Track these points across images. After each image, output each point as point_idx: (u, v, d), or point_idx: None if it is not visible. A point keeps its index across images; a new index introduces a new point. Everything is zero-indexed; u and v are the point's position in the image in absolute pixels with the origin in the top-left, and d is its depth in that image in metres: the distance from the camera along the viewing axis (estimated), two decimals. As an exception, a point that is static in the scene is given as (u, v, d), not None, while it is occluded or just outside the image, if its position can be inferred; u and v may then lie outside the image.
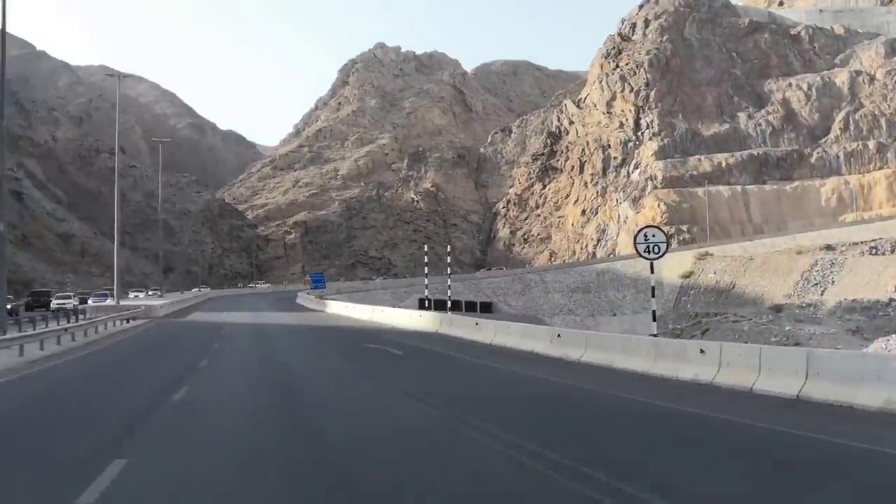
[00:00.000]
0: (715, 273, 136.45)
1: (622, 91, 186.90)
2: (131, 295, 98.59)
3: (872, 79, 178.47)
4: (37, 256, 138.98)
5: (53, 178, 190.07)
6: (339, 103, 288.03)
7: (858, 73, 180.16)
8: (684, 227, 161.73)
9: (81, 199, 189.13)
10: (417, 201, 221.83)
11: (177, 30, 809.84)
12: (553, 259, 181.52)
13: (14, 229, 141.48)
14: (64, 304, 71.24)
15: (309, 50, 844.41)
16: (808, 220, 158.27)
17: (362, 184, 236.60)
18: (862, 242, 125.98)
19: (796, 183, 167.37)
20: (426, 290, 58.33)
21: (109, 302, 70.94)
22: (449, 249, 61.36)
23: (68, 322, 41.09)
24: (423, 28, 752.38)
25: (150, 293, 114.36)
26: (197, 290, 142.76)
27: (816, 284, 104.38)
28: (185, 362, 28.00)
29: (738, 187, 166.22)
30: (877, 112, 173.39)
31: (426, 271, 57.13)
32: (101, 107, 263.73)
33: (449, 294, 55.23)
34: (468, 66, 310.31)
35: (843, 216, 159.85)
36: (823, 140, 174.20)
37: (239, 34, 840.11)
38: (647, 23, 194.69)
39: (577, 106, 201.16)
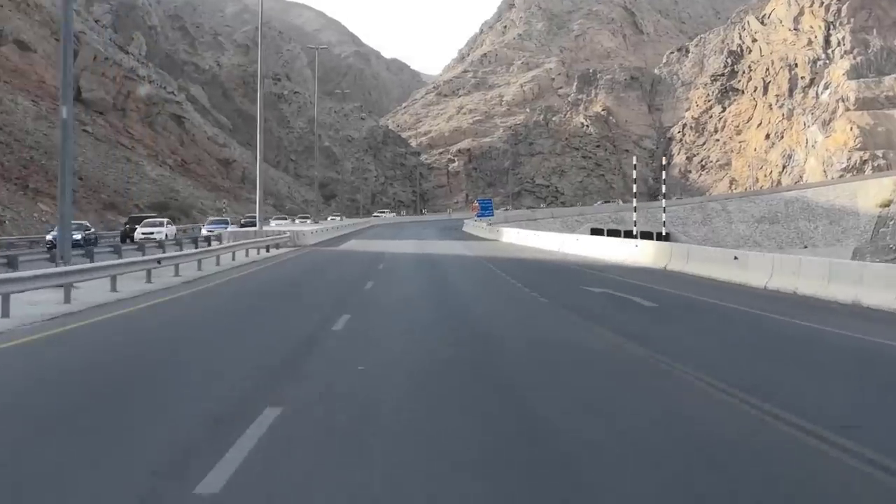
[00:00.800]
0: None
1: (811, 6, 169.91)
2: (272, 223, 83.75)
3: None
4: (196, 182, 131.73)
5: (217, 104, 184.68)
6: (505, 27, 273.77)
7: None
8: (879, 153, 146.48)
9: (244, 125, 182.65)
10: (587, 126, 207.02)
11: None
12: (733, 187, 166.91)
13: (173, 154, 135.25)
14: (151, 233, 52.41)
15: None
16: None
17: (528, 110, 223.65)
18: None
19: None
20: (635, 214, 46.37)
21: (231, 229, 58.11)
22: (664, 163, 48.79)
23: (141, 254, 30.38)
24: None
25: (297, 220, 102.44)
26: (332, 217, 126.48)
27: None
28: (310, 324, 16.75)
29: None
30: None
31: (635, 189, 45.12)
32: (267, 34, 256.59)
33: (664, 220, 42.90)
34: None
35: None
36: None
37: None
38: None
39: (761, 22, 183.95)
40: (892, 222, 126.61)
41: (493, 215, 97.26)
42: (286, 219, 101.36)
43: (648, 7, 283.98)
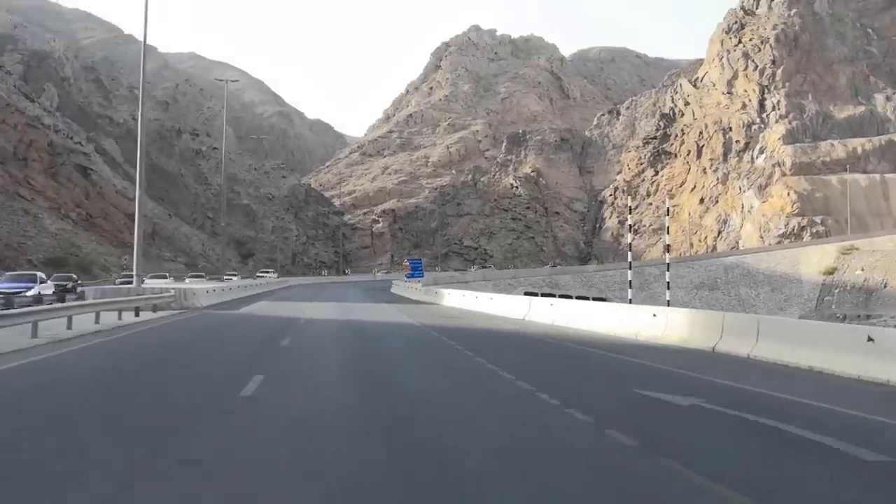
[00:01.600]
0: (863, 270, 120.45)
1: (745, 69, 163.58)
2: (147, 280, 65.50)
3: None
4: (101, 237, 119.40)
5: (132, 159, 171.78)
6: (431, 88, 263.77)
7: None
8: (817, 219, 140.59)
9: (159, 180, 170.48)
10: (516, 187, 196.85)
11: (266, 18, 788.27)
12: (668, 252, 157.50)
13: (78, 207, 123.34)
14: None
15: (401, 35, 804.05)
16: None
17: (454, 171, 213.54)
18: None
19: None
20: (630, 273, 35.37)
21: (36, 291, 37.28)
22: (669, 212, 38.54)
23: None
24: (519, 11, 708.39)
25: (189, 279, 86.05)
26: (227, 276, 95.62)
27: None
28: None
29: (877, 176, 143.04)
30: None
31: (629, 239, 33.87)
32: (188, 92, 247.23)
33: (668, 282, 31.95)
34: (565, 51, 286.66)
35: None
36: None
37: (328, 20, 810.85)
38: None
39: (694, 85, 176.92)
40: (837, 290, 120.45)
41: (423, 276, 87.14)
42: (166, 276, 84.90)
43: (575, 72, 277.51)
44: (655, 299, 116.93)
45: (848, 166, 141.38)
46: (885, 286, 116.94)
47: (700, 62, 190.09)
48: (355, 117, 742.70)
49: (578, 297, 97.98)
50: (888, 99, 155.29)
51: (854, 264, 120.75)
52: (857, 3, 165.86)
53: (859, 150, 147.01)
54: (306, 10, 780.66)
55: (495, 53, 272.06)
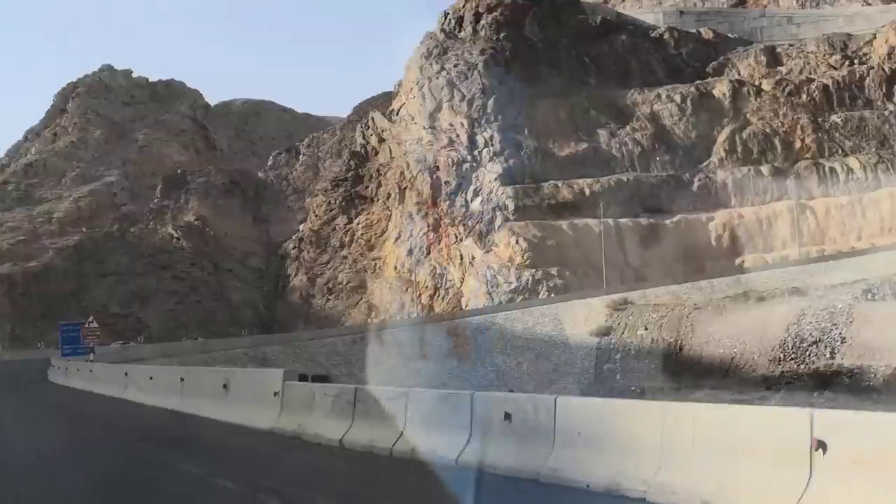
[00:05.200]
0: (647, 329, 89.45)
1: (450, 100, 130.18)
2: None
3: (759, 90, 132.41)
4: None
5: None
6: (56, 134, 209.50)
7: (741, 83, 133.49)
8: (553, 271, 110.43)
9: None
10: (178, 238, 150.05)
11: None
12: (374, 315, 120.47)
13: None
14: None
15: (21, 77, 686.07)
16: (696, 262, 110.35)
17: (83, 229, 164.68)
18: (842, 284, 78.25)
19: (678, 217, 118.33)
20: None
21: None
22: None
23: None
24: (156, 53, 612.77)
25: None
26: None
27: (817, 343, 62.42)
28: None
29: (610, 221, 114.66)
30: (768, 130, 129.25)
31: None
32: None
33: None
34: (209, 100, 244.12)
35: (740, 258, 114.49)
36: (705, 164, 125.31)
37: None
38: (477, 16, 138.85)
39: (389, 119, 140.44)
40: (618, 356, 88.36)
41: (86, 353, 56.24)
42: None
43: (221, 122, 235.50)
44: (391, 371, 79.92)
45: (567, 212, 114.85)
46: (680, 349, 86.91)
47: (389, 95, 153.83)
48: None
49: (301, 378, 59.38)
50: (612, 135, 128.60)
51: (634, 321, 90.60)
52: (570, 29, 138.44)
53: (587, 191, 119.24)
54: None
55: (132, 97, 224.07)
